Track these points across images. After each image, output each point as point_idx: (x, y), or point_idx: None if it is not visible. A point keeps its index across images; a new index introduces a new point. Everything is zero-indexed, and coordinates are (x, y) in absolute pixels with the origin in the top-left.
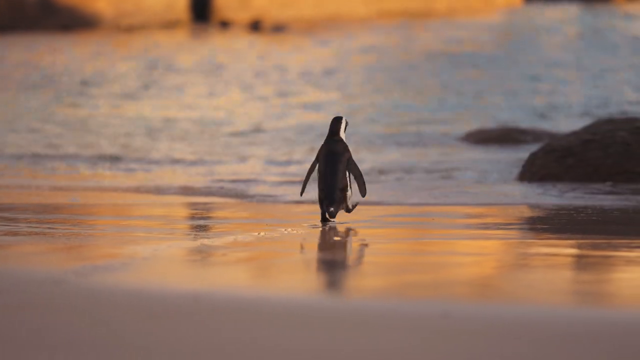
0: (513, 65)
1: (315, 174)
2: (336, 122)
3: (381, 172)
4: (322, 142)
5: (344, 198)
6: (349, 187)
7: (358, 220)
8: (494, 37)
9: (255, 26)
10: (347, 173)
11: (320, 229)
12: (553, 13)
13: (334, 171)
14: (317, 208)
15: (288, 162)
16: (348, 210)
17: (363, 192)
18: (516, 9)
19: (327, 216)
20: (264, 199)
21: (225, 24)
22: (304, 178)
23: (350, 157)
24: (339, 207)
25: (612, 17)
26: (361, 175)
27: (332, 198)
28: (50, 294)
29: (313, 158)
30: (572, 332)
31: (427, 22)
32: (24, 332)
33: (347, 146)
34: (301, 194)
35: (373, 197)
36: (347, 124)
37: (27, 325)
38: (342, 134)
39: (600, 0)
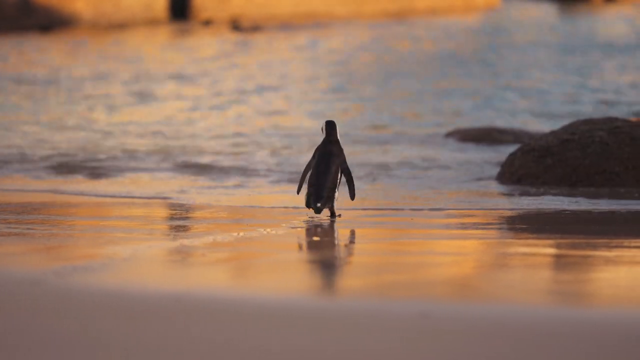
0: (492, 65)
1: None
2: (332, 125)
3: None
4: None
5: (331, 197)
6: (337, 189)
7: (338, 220)
8: (473, 36)
9: (235, 26)
10: (339, 174)
11: (300, 229)
12: (531, 13)
13: (326, 170)
14: (295, 209)
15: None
16: (333, 215)
17: (352, 195)
18: (495, 8)
19: (313, 211)
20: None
21: (205, 24)
22: (300, 177)
23: (345, 160)
24: (325, 204)
25: (589, 17)
26: (352, 179)
27: (320, 195)
28: (30, 295)
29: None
30: (552, 332)
31: (407, 22)
32: (2, 332)
33: (342, 149)
34: (298, 192)
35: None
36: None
37: (6, 326)
38: (338, 137)
39: (578, 0)
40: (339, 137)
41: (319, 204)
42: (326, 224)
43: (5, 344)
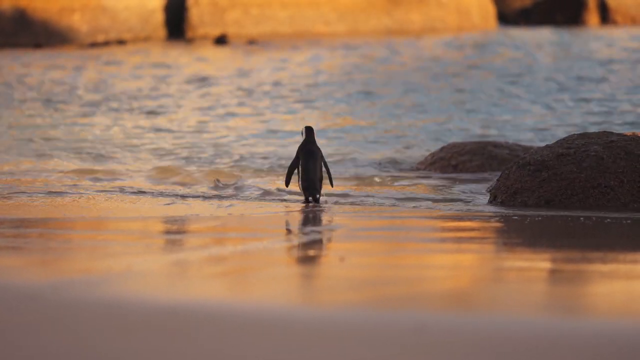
0: (487, 84)
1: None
2: (311, 130)
3: (356, 180)
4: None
5: (321, 186)
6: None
7: (333, 234)
8: (468, 56)
9: (227, 41)
10: (322, 168)
11: (295, 241)
12: (527, 36)
13: (315, 167)
14: (288, 221)
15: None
16: (318, 201)
17: (332, 183)
18: (491, 31)
19: (314, 201)
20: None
21: (198, 39)
22: (286, 173)
23: (323, 155)
24: (319, 193)
25: (586, 39)
26: (330, 171)
27: (315, 187)
28: (27, 309)
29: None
30: (548, 345)
31: (402, 40)
32: None
33: (319, 148)
34: (287, 185)
35: (346, 207)
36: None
37: (3, 339)
38: (315, 138)
39: (574, 24)
40: (315, 139)
41: (317, 195)
42: (321, 237)
43: (2, 358)
